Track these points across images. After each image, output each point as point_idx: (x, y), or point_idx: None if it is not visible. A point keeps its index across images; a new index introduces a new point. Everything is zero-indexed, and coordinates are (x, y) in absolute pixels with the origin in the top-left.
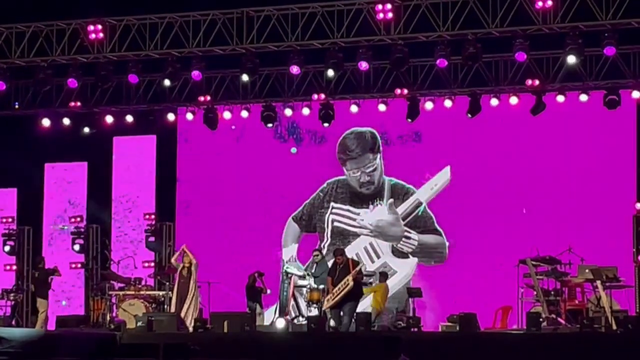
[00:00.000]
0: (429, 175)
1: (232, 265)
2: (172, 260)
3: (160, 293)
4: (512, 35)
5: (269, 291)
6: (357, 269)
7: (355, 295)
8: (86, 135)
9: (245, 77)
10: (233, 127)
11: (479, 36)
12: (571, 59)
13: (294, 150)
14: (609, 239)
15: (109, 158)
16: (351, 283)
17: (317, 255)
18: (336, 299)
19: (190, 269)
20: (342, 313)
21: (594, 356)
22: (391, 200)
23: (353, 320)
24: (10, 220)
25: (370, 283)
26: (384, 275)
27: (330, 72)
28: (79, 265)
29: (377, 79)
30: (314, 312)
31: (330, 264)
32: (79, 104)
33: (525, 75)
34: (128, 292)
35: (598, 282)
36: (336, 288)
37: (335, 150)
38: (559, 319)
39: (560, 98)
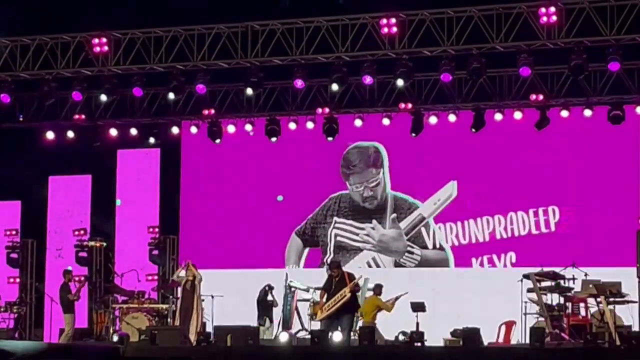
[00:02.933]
0: (433, 191)
1: (235, 279)
2: (174, 276)
3: (164, 306)
4: (516, 50)
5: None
6: (355, 281)
7: (351, 308)
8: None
9: (249, 91)
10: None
11: (484, 51)
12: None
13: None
14: (612, 254)
15: (113, 171)
16: (348, 294)
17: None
18: (332, 309)
19: (194, 282)
20: (340, 328)
21: None
22: (394, 215)
23: (353, 334)
24: (14, 232)
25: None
26: (378, 287)
27: (335, 86)
28: (82, 278)
29: (381, 93)
30: (318, 325)
31: None
32: (83, 117)
33: (529, 90)
34: (131, 305)
35: (602, 298)
36: (332, 300)
37: (339, 164)
38: (562, 334)
39: (565, 113)
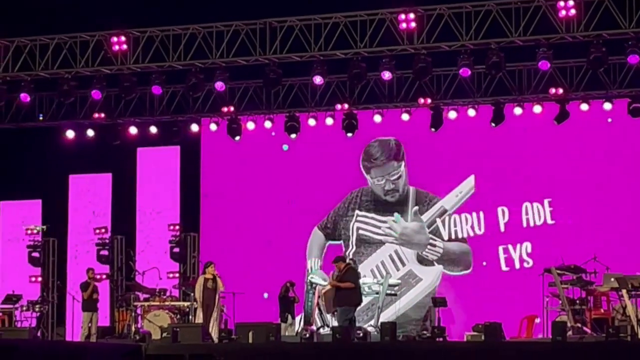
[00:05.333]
0: (452, 186)
1: (256, 275)
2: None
3: (185, 304)
4: (535, 44)
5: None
6: (345, 284)
7: (345, 301)
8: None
9: (268, 88)
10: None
11: (502, 45)
12: None
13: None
14: (634, 248)
15: (133, 169)
16: (327, 287)
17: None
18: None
19: (215, 279)
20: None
21: None
22: (416, 207)
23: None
24: (35, 231)
25: (395, 294)
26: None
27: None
28: (104, 277)
29: (400, 88)
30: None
31: (360, 272)
32: (103, 115)
33: (548, 84)
34: (153, 303)
35: (624, 291)
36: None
37: (359, 159)
38: (584, 328)
39: (584, 106)
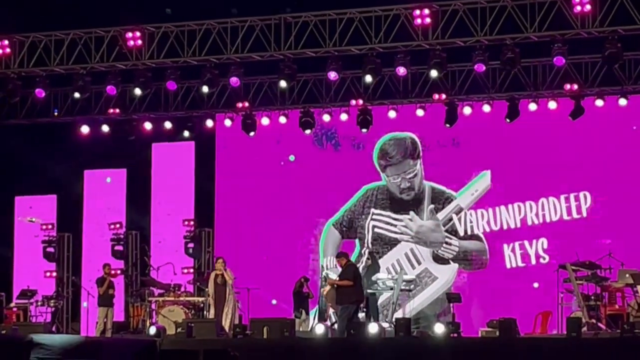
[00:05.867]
0: (467, 181)
1: (271, 271)
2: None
3: (200, 299)
4: (550, 39)
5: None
6: (343, 282)
7: (345, 298)
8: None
9: (283, 84)
10: (291, 159)
11: (517, 41)
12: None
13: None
14: None
15: (148, 164)
16: (327, 287)
17: (368, 259)
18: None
19: (224, 275)
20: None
21: None
22: (432, 206)
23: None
24: (50, 227)
25: (410, 290)
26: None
27: (368, 78)
28: (119, 272)
29: (415, 84)
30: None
31: (380, 266)
32: (117, 110)
33: (563, 79)
34: (167, 299)
35: (638, 287)
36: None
37: (373, 156)
38: (599, 324)
39: (599, 102)
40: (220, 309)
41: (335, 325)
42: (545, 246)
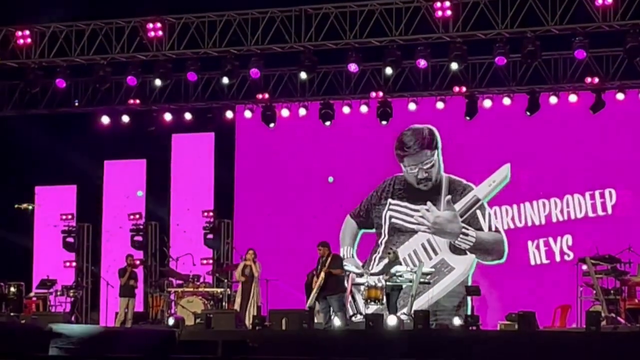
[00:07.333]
0: (487, 175)
1: (290, 263)
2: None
3: (219, 290)
4: (571, 32)
5: None
6: (337, 271)
7: (335, 289)
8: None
9: (303, 75)
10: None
11: (538, 34)
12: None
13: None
14: None
15: (167, 155)
16: (322, 276)
17: (390, 254)
18: (314, 291)
19: (252, 268)
20: (332, 310)
21: None
22: (449, 196)
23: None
24: (70, 217)
25: (428, 282)
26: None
27: (389, 70)
28: (138, 262)
29: (435, 76)
30: (372, 309)
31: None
32: (138, 101)
33: (584, 73)
34: (187, 289)
35: None
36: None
37: (393, 147)
38: (618, 318)
39: (620, 96)
40: (245, 304)
41: (354, 317)
42: (570, 243)
